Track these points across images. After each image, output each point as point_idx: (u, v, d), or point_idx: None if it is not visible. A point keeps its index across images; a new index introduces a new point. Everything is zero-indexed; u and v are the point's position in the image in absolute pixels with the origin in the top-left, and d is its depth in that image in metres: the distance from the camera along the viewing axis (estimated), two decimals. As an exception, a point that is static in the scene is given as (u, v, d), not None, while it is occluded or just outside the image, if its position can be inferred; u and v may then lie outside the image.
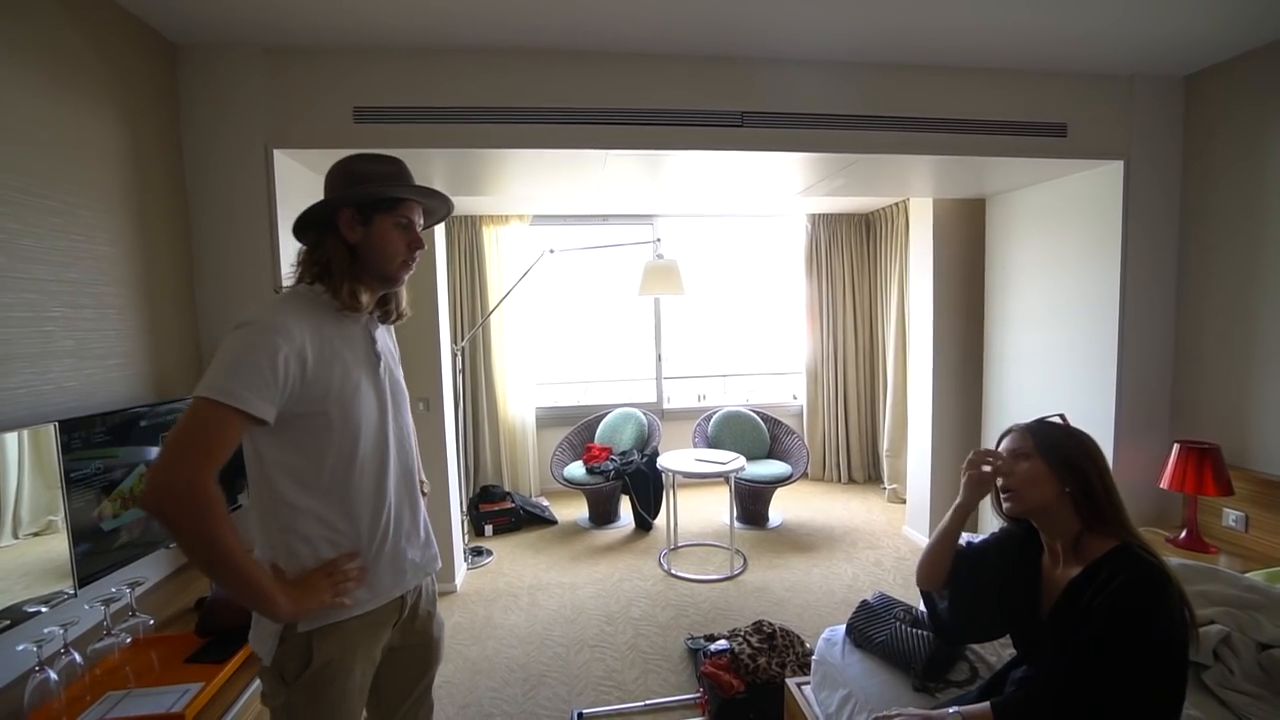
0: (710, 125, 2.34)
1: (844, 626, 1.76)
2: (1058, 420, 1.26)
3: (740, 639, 2.27)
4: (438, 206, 1.28)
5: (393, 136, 2.21)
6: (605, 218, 4.94)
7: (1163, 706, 1.04)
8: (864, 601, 1.76)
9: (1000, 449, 1.26)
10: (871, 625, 1.68)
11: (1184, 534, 2.42)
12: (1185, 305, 2.71)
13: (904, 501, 4.18)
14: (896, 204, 4.55)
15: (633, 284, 3.82)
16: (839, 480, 5.11)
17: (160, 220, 2.00)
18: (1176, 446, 2.43)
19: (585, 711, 2.26)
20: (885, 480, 4.71)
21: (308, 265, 1.15)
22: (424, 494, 1.37)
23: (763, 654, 2.18)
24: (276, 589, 1.01)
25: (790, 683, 1.89)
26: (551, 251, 3.58)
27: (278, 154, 2.16)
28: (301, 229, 1.17)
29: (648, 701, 2.30)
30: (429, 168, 2.51)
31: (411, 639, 1.26)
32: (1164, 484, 2.43)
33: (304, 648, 1.07)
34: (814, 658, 1.79)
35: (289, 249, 2.22)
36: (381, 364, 1.20)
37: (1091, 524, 1.15)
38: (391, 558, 1.17)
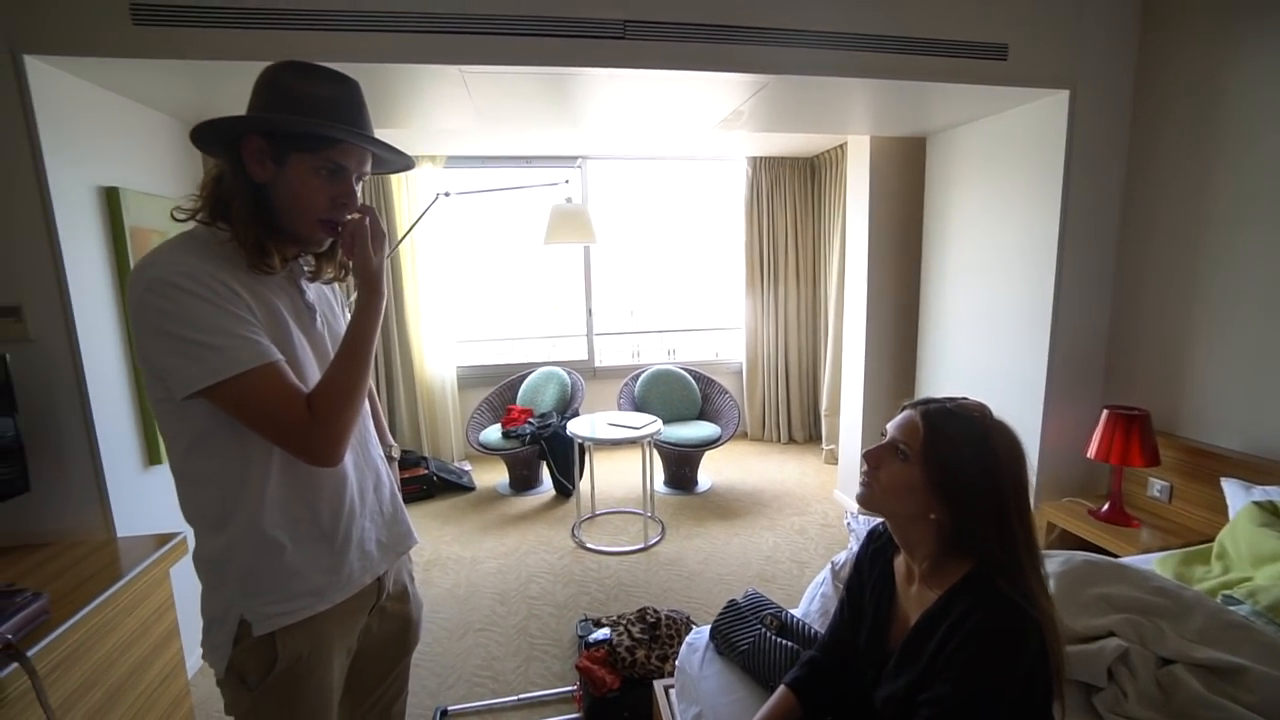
0: (586, 36, 1.95)
1: (709, 628, 1.53)
2: (975, 413, 0.89)
3: (621, 628, 2.06)
4: (390, 156, 1.02)
5: (187, 43, 1.78)
6: (529, 159, 4.50)
7: None
8: (731, 601, 1.53)
9: (889, 427, 0.98)
10: (736, 630, 1.45)
11: (1106, 506, 2.24)
12: (1126, 257, 2.47)
13: (839, 463, 4.01)
14: (840, 145, 4.20)
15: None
16: (779, 440, 4.93)
17: None
18: (1105, 413, 2.22)
19: (450, 708, 2.04)
20: (824, 440, 4.54)
21: (208, 197, 0.91)
22: (393, 458, 1.19)
23: (642, 646, 1.97)
24: (370, 303, 0.95)
25: (658, 685, 1.68)
26: (447, 195, 3.18)
27: (32, 62, 1.72)
28: (206, 141, 0.91)
29: (520, 696, 2.09)
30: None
31: (389, 623, 1.14)
32: (1090, 453, 2.23)
33: (266, 648, 0.93)
34: (677, 662, 1.57)
35: (65, 180, 1.81)
36: (317, 317, 1.02)
37: (957, 553, 0.89)
38: (359, 541, 1.02)
